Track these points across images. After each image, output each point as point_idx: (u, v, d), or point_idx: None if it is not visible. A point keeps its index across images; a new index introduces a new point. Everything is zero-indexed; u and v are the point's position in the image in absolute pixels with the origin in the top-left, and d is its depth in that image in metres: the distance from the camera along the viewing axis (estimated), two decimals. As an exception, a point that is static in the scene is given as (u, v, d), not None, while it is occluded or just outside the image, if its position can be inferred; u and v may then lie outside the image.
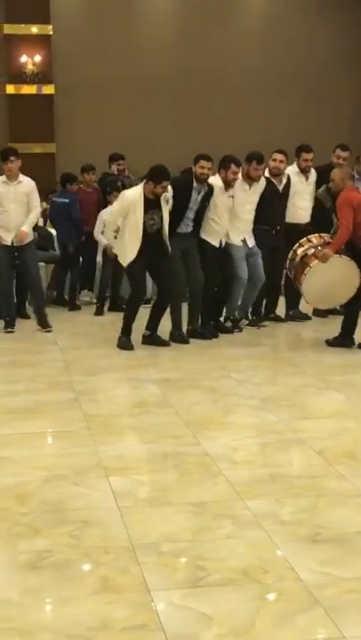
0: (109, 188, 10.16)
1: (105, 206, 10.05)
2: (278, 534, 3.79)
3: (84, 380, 6.80)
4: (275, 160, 8.89)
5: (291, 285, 8.69)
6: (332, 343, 7.93)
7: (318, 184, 9.18)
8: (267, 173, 8.87)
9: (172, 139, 17.73)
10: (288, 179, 9.04)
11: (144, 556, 3.58)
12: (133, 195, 7.80)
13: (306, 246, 8.07)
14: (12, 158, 8.57)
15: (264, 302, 9.29)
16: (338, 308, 8.63)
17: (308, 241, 8.13)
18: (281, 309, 9.40)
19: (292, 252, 8.21)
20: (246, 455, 4.92)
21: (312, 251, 7.98)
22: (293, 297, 9.16)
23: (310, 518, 3.98)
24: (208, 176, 8.10)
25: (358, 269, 7.73)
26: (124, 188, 9.57)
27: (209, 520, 3.97)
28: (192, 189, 8.07)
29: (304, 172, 9.23)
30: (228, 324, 8.73)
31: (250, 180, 8.52)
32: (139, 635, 2.99)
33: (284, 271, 8.81)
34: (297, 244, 8.17)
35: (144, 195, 7.72)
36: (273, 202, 8.80)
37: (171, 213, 7.92)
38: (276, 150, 9.00)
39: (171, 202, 7.90)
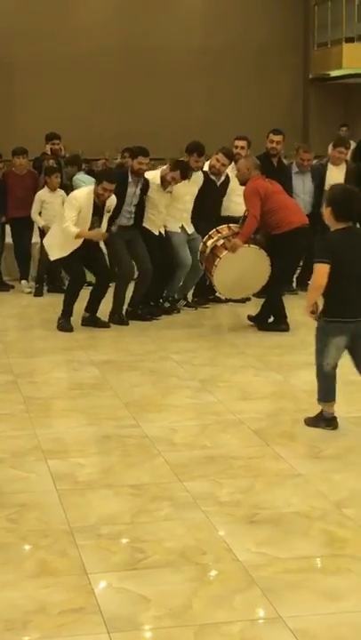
0: (45, 170, 10.03)
1: (43, 187, 9.88)
2: (216, 515, 3.82)
3: (23, 361, 6.75)
4: (217, 161, 8.67)
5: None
6: (265, 328, 7.87)
7: None
8: (206, 167, 8.74)
9: (111, 118, 17.66)
10: (227, 176, 8.88)
11: (82, 539, 3.58)
12: (83, 197, 7.81)
13: (215, 237, 8.04)
14: None
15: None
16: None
17: (218, 232, 8.10)
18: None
19: (202, 244, 8.17)
20: (185, 436, 4.94)
21: (221, 242, 7.95)
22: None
23: (248, 499, 4.02)
24: (145, 171, 8.17)
25: (268, 257, 7.72)
26: (59, 166, 9.86)
27: (148, 502, 3.98)
28: (127, 184, 8.09)
29: (236, 161, 8.98)
30: (167, 304, 8.74)
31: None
32: (76, 618, 2.99)
33: None
34: (206, 237, 8.14)
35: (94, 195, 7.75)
36: (209, 195, 8.72)
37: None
38: (222, 150, 8.73)
39: (112, 210, 7.95)
